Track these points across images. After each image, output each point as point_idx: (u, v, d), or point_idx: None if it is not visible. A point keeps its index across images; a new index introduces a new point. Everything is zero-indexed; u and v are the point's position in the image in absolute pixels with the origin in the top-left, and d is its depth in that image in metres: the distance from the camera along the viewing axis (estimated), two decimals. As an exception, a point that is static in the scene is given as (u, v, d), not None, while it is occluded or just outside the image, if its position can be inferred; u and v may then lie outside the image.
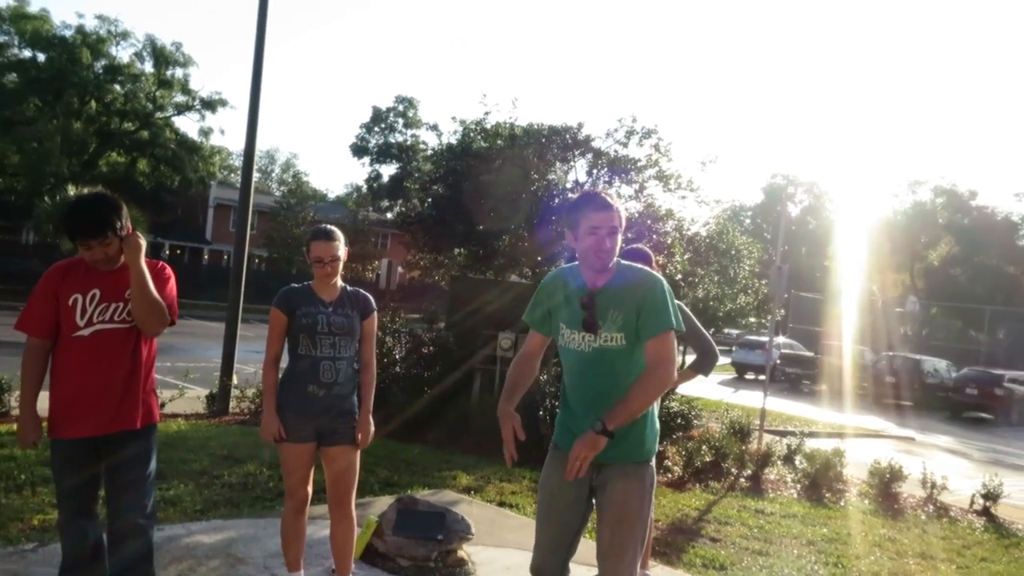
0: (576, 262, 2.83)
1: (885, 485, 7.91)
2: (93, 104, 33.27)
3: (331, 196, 58.87)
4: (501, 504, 5.94)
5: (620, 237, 2.70)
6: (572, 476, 2.53)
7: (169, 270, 3.22)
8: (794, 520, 6.62)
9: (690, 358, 4.57)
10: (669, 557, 5.14)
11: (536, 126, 11.57)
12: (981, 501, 7.86)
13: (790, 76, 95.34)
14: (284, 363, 3.58)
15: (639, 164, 11.19)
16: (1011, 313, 40.25)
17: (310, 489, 3.62)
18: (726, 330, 27.87)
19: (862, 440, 13.51)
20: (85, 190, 3.33)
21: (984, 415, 20.07)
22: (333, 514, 3.64)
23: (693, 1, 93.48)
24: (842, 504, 7.57)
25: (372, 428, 3.66)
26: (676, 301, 4.40)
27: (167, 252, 35.87)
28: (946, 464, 11.07)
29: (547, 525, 2.81)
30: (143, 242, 3.03)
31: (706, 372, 4.44)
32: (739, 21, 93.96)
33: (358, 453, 3.63)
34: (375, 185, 48.93)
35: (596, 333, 2.68)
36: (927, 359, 23.43)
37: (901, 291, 44.94)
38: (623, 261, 2.75)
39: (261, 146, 70.66)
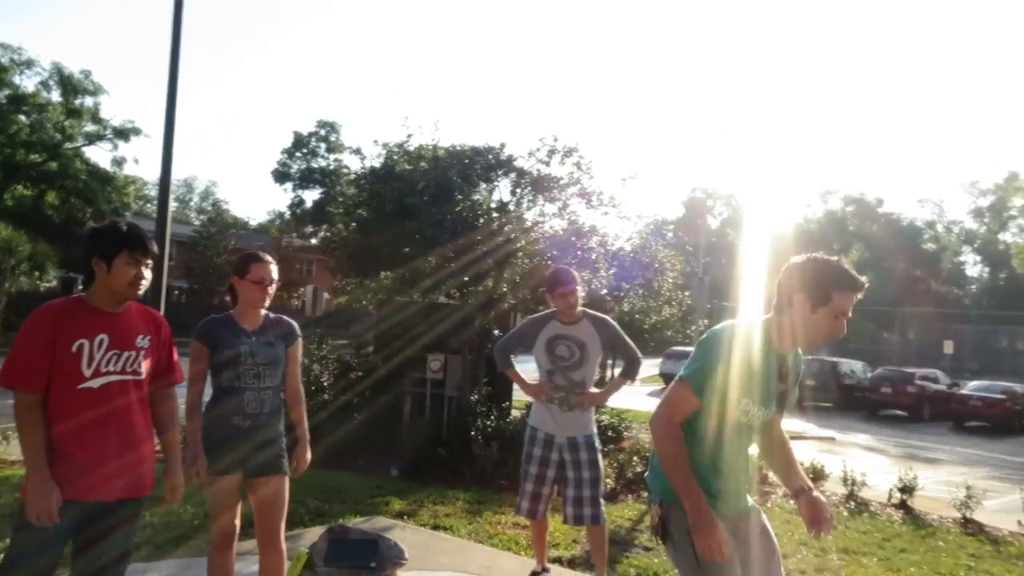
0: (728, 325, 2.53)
1: (809, 485, 8.17)
2: (-4, 135, 31.93)
3: (253, 223, 57.71)
4: (435, 527, 5.91)
5: None
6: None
7: (167, 325, 3.02)
8: (724, 524, 6.77)
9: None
10: (604, 569, 5.19)
11: (459, 147, 11.59)
12: (898, 495, 8.20)
13: (705, 91, 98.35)
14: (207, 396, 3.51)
15: (562, 182, 11.32)
16: (919, 314, 42.30)
17: (237, 523, 3.54)
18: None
19: (787, 443, 13.91)
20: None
21: (899, 412, 20.96)
22: (262, 548, 3.56)
23: (607, 20, 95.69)
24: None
25: (309, 455, 3.65)
26: (603, 315, 4.57)
27: (80, 288, 34.48)
28: (865, 461, 11.50)
29: None
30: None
31: (633, 377, 4.75)
32: (651, 39, 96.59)
33: (287, 483, 3.58)
34: (298, 211, 48.19)
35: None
36: (844, 361, 24.35)
37: (817, 297, 46.55)
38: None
39: (178, 174, 69.06)
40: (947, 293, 49.34)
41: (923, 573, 5.80)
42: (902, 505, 8.09)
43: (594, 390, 4.52)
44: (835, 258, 2.45)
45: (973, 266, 56.13)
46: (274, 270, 3.54)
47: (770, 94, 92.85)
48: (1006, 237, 50.99)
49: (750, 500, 2.70)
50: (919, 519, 7.68)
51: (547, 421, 4.43)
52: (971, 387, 20.67)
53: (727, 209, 57.64)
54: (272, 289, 3.52)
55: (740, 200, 56.73)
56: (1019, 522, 7.46)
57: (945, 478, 11.01)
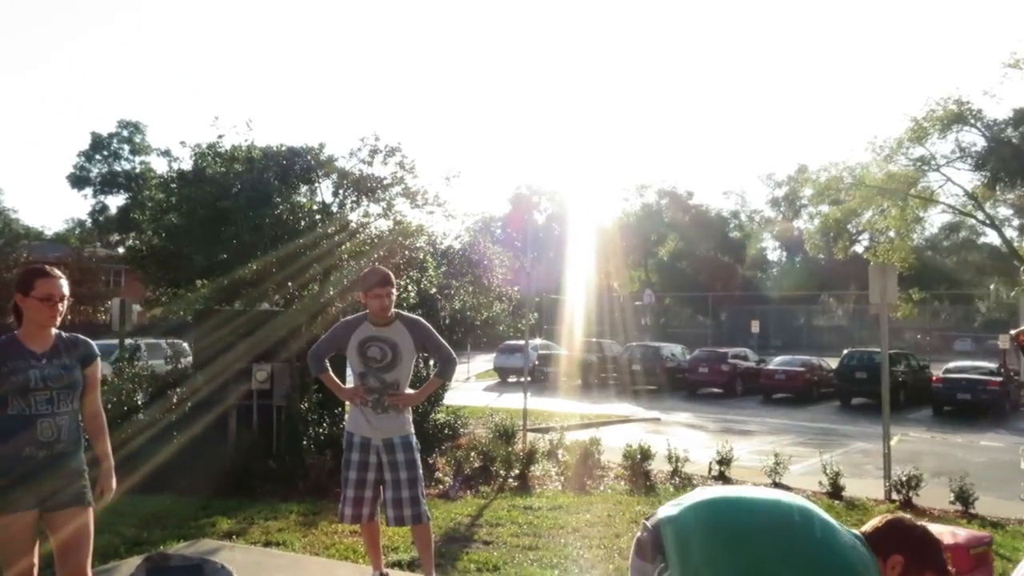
0: None
1: (637, 465, 8.59)
2: None
3: (49, 233, 52.76)
4: (268, 544, 5.64)
5: None
6: None
7: None
8: (560, 511, 6.96)
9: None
10: (444, 567, 5.17)
11: (276, 148, 11.18)
12: (717, 467, 8.78)
13: (526, 88, 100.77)
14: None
15: (385, 182, 11.18)
16: (729, 298, 45.71)
17: (36, 564, 3.19)
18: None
19: (616, 426, 14.57)
20: None
21: (715, 389, 22.50)
22: (66, 588, 3.24)
23: (426, 17, 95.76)
24: (602, 489, 8.09)
25: (115, 481, 3.35)
26: (413, 315, 4.51)
27: None
28: (687, 438, 12.24)
29: None
30: None
31: (448, 377, 4.76)
32: (469, 37, 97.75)
33: (90, 515, 3.27)
34: (101, 218, 44.76)
35: None
36: (665, 345, 25.85)
37: (639, 286, 49.23)
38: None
39: (-44, 182, 62.05)
40: (752, 277, 53.55)
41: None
42: (721, 476, 8.67)
43: (409, 391, 4.49)
44: (939, 539, 2.45)
45: (773, 251, 61.32)
46: (64, 285, 3.22)
47: (588, 92, 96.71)
48: (799, 224, 56.02)
49: None
50: (736, 488, 8.26)
51: (362, 424, 4.36)
52: (776, 362, 22.53)
53: (552, 204, 59.34)
54: (62, 306, 3.20)
55: (564, 196, 58.61)
56: (819, 483, 8.20)
57: (757, 448, 11.95)
